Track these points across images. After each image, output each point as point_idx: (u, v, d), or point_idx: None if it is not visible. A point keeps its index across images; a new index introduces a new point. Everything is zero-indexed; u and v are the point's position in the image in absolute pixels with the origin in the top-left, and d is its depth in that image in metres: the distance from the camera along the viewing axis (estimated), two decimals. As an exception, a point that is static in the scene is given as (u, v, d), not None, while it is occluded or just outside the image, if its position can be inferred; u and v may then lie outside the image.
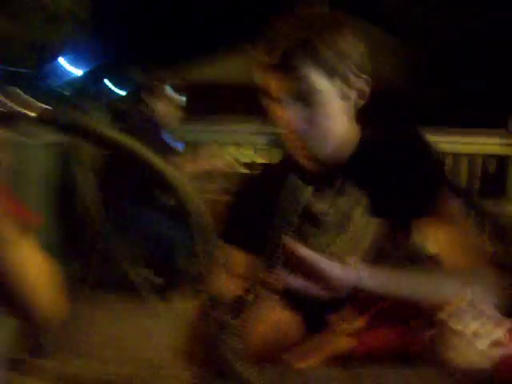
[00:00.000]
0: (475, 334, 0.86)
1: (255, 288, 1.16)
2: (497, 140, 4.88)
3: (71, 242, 4.21)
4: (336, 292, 1.04)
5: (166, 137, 4.07)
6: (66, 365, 0.73)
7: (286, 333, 1.14)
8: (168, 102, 3.83)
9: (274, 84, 1.20)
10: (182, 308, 1.15)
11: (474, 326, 0.87)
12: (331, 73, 1.16)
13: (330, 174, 1.27)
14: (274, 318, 1.14)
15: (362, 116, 1.26)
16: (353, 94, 1.22)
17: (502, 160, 4.89)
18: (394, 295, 1.09)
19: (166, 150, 4.16)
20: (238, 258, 1.40)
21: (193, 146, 5.10)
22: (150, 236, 3.75)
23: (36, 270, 1.01)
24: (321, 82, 1.16)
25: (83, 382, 0.65)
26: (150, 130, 3.82)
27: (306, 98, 1.18)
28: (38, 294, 1.00)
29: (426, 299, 1.09)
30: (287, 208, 1.32)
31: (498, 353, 0.86)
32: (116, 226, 3.58)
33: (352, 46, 1.19)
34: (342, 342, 1.08)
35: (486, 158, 5.04)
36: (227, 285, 1.20)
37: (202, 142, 4.97)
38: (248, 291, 1.16)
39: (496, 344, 0.87)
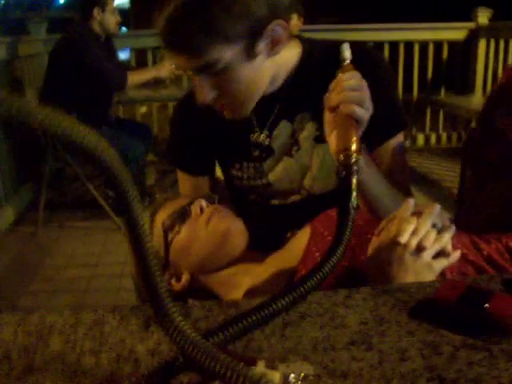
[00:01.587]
0: (419, 247, 0.86)
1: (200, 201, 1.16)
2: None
3: (25, 162, 4.14)
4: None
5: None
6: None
7: (233, 243, 1.13)
8: (113, 12, 3.75)
9: (169, 56, 1.11)
10: None
11: (417, 237, 0.87)
12: (224, 38, 1.04)
13: (268, 104, 1.22)
14: (221, 228, 1.12)
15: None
16: (264, 47, 1.09)
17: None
18: (370, 192, 1.09)
19: (118, 63, 4.08)
20: (183, 179, 1.38)
21: (138, 53, 4.97)
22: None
23: None
24: (215, 50, 1.04)
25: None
26: (100, 43, 3.74)
27: (205, 68, 1.08)
28: None
29: (385, 209, 1.10)
30: (229, 137, 1.30)
31: (443, 264, 0.87)
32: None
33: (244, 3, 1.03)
34: (286, 259, 1.08)
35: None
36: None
37: (146, 49, 4.84)
38: (191, 203, 1.16)
39: (440, 255, 0.87)
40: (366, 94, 0.99)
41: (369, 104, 0.99)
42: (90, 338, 0.69)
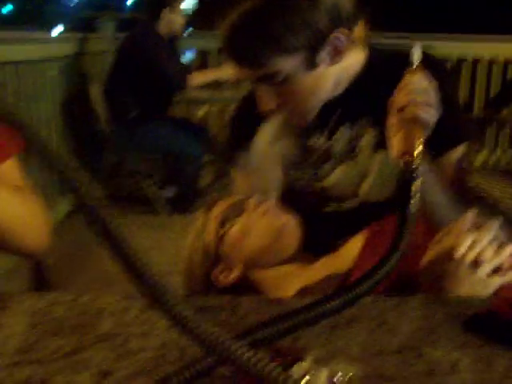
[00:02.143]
0: (475, 261, 0.84)
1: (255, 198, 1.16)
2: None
3: (83, 156, 4.25)
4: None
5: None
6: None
7: (287, 240, 1.12)
8: (180, 14, 3.81)
9: (233, 67, 1.13)
10: (193, 220, 1.17)
11: (473, 252, 0.84)
12: (285, 50, 1.04)
13: (329, 109, 1.21)
14: (277, 223, 1.12)
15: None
16: (324, 57, 1.09)
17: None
18: (428, 200, 1.06)
19: (181, 64, 4.16)
20: (239, 179, 1.39)
21: (202, 54, 5.03)
22: (159, 149, 3.76)
23: (15, 208, 1.00)
24: (276, 62, 1.04)
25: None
26: (165, 43, 3.80)
27: (266, 79, 1.08)
28: (18, 229, 1.00)
29: (443, 219, 1.08)
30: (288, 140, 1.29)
31: (499, 281, 0.84)
32: (125, 140, 3.58)
33: (307, 12, 1.02)
34: (339, 264, 1.07)
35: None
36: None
37: (210, 50, 4.89)
38: (247, 198, 1.16)
39: (497, 272, 0.84)
40: (433, 98, 0.97)
41: (436, 108, 0.97)
42: (138, 323, 0.70)
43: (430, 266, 0.88)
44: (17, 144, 1.15)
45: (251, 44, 1.04)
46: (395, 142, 0.98)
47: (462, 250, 0.84)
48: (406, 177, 0.85)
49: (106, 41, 4.81)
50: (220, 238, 1.13)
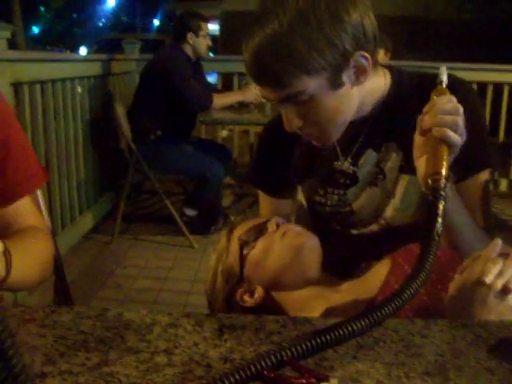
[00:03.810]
0: (504, 289, 0.83)
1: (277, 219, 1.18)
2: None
3: (108, 174, 4.30)
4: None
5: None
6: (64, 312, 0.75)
7: (307, 259, 1.12)
8: (205, 37, 3.88)
9: (257, 87, 1.14)
10: (214, 240, 1.18)
11: (502, 280, 0.84)
12: (309, 70, 1.04)
13: (354, 132, 1.21)
14: (296, 242, 1.12)
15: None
16: (349, 77, 1.09)
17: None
18: (453, 223, 1.06)
19: (207, 85, 4.21)
20: (264, 201, 1.40)
21: (225, 77, 5.09)
22: (181, 169, 3.79)
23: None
24: (300, 82, 1.05)
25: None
26: (190, 65, 3.86)
27: (290, 99, 1.09)
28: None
29: (466, 244, 1.08)
30: (314, 163, 1.30)
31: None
32: (148, 160, 3.61)
33: (331, 32, 1.02)
34: (364, 289, 1.06)
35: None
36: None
37: (234, 73, 4.95)
38: (268, 221, 1.18)
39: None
40: (460, 120, 0.96)
41: (463, 130, 0.97)
42: (164, 339, 0.70)
43: (458, 294, 0.87)
44: (36, 181, 1.18)
45: (275, 64, 1.05)
46: (422, 163, 0.98)
47: (490, 277, 0.83)
48: (432, 198, 0.85)
49: (131, 62, 4.89)
50: (243, 259, 1.14)
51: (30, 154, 1.18)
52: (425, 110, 0.99)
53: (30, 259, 1.04)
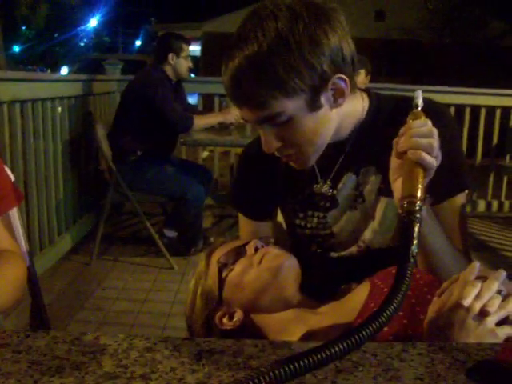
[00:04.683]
0: (482, 312, 0.83)
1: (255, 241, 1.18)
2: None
3: (87, 195, 4.27)
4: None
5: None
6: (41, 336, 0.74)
7: (285, 279, 1.12)
8: (186, 58, 3.90)
9: (237, 109, 1.15)
10: (194, 262, 1.17)
11: (480, 302, 0.84)
12: (288, 92, 1.05)
13: (333, 155, 1.22)
14: (274, 263, 1.12)
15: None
16: (327, 99, 1.10)
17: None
18: (430, 246, 1.06)
19: (188, 106, 4.22)
20: (244, 223, 1.39)
21: (206, 98, 5.11)
22: (161, 190, 3.77)
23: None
24: (278, 104, 1.06)
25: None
26: (171, 86, 3.88)
27: (269, 120, 1.10)
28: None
29: (443, 266, 1.09)
30: (293, 186, 1.31)
31: (507, 331, 0.84)
32: (128, 180, 3.59)
33: (310, 54, 1.03)
34: (344, 312, 1.06)
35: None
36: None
37: (214, 94, 4.97)
38: (247, 244, 1.18)
39: (504, 322, 0.84)
40: (435, 142, 0.97)
41: (437, 152, 0.97)
42: (141, 364, 0.69)
43: (436, 316, 0.87)
44: (8, 202, 1.17)
45: (254, 86, 1.06)
46: (398, 186, 0.99)
47: (468, 299, 0.84)
48: (407, 220, 0.85)
49: (112, 82, 4.89)
50: (222, 282, 1.14)
51: (2, 176, 1.17)
52: (400, 132, 1.00)
53: (4, 282, 1.03)
